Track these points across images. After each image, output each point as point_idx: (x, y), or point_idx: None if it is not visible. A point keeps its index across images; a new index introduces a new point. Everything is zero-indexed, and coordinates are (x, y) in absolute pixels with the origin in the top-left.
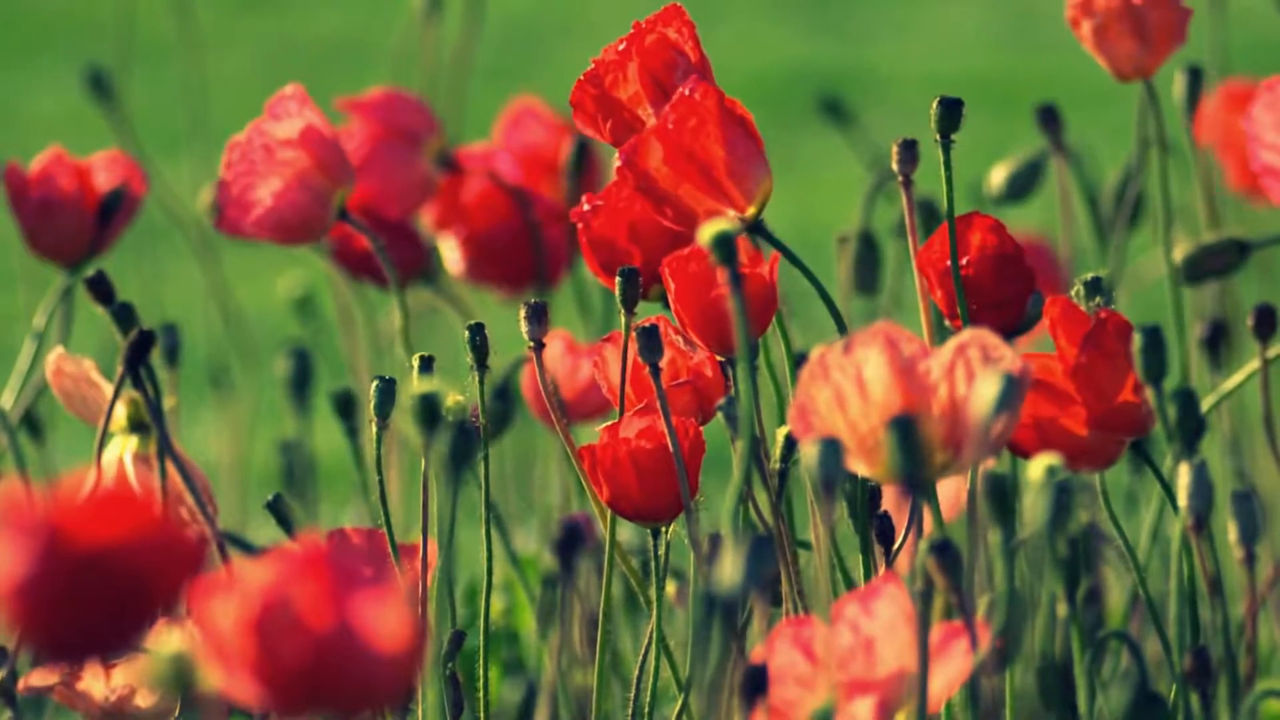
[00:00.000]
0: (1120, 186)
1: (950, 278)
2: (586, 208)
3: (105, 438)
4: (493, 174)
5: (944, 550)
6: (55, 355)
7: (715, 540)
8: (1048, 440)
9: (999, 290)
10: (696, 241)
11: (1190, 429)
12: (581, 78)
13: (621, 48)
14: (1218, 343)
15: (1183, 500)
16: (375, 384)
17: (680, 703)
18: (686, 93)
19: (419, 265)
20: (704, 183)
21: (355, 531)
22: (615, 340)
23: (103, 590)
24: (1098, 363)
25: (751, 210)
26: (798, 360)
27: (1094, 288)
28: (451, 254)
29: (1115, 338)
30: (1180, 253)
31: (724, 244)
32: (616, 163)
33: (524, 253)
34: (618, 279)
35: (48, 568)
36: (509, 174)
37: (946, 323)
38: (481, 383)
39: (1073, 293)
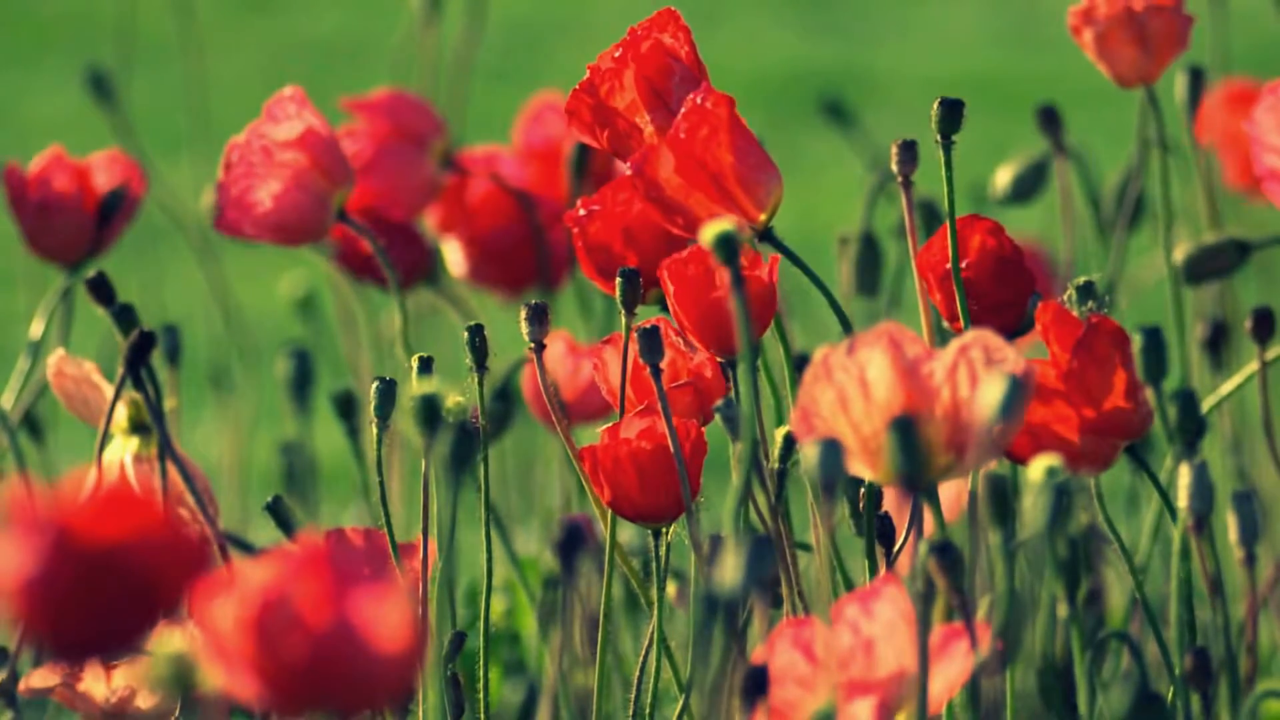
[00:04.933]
0: (1121, 187)
1: (949, 280)
2: (582, 213)
3: (106, 439)
4: (496, 176)
5: (944, 551)
6: (56, 357)
7: (716, 541)
8: (1042, 445)
9: (998, 293)
10: (698, 245)
11: (1190, 430)
12: (577, 86)
13: (617, 55)
14: (1218, 343)
15: (1183, 501)
16: (376, 385)
17: (681, 704)
18: (698, 101)
19: (422, 267)
20: (715, 192)
21: (355, 532)
22: (614, 342)
23: (110, 589)
24: (1090, 368)
25: (762, 218)
26: (796, 361)
27: (1086, 292)
28: (455, 256)
29: (1107, 342)
30: (1181, 253)
31: (726, 244)
32: (626, 171)
33: (527, 255)
34: (618, 280)
35: (55, 566)
36: (518, 174)
37: (946, 325)
38: (481, 384)
39: (1065, 297)
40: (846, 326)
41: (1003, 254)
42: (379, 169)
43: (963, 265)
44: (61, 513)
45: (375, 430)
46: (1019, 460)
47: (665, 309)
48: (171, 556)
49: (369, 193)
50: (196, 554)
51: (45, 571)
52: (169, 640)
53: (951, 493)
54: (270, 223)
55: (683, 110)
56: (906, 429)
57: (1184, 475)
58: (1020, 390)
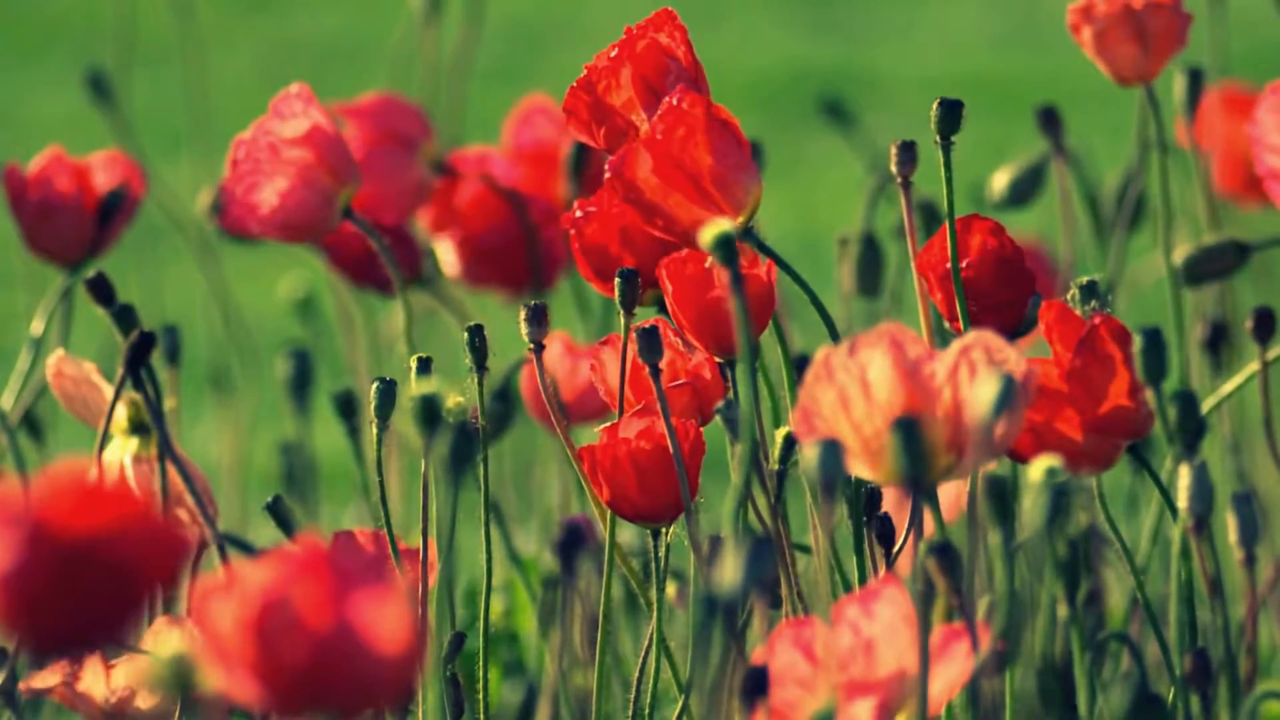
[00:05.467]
0: (1120, 188)
1: (950, 280)
2: (579, 214)
3: (105, 439)
4: (487, 177)
5: (944, 552)
6: (55, 357)
7: (715, 542)
8: (1044, 444)
9: (998, 293)
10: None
11: (1190, 430)
12: (575, 84)
13: (614, 54)
14: (1218, 344)
15: (1183, 501)
16: (375, 385)
17: (681, 704)
18: (674, 102)
19: (415, 269)
20: (693, 193)
21: (364, 534)
22: (612, 343)
23: (87, 581)
24: (1092, 367)
25: (741, 219)
26: (795, 362)
27: (1090, 291)
28: (447, 257)
29: (1110, 342)
30: (1180, 255)
31: (725, 245)
32: (607, 173)
33: (520, 255)
34: (617, 280)
35: (31, 559)
36: (509, 175)
37: (946, 325)
38: (481, 384)
39: (1068, 296)
40: (831, 326)
41: (1003, 254)
42: (369, 173)
43: (963, 265)
44: (40, 505)
45: (375, 430)
46: (1022, 459)
47: (662, 310)
48: (152, 546)
49: (360, 196)
50: (178, 543)
51: (23, 564)
52: (168, 641)
53: (951, 493)
54: (276, 220)
55: (659, 111)
56: (910, 430)
57: (1184, 476)
58: (1013, 389)
